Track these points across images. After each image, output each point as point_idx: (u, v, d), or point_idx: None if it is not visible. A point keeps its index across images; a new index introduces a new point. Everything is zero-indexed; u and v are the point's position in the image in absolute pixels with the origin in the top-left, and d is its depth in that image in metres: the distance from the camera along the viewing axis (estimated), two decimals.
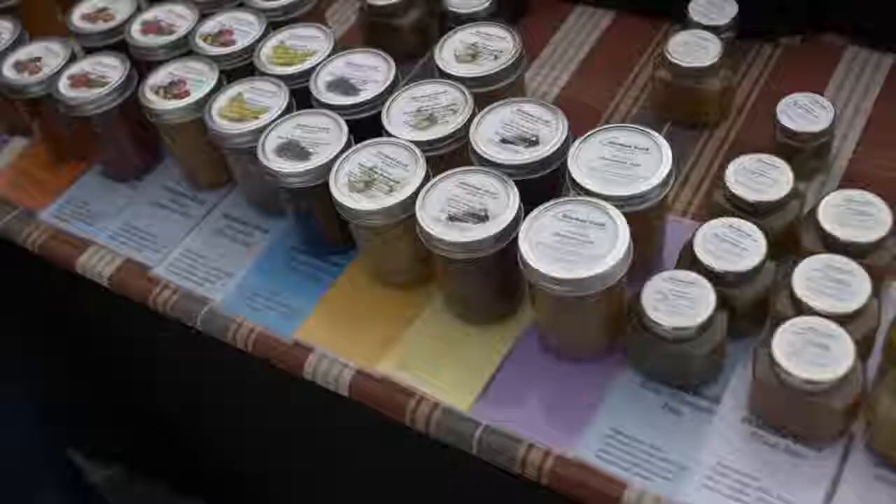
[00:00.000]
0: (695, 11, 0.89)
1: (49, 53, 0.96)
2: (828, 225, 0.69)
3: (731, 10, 0.89)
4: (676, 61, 0.84)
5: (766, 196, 0.72)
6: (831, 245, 0.69)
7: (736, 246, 0.68)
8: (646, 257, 0.73)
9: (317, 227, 0.82)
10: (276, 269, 0.85)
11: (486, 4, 0.94)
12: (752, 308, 0.68)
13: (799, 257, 0.67)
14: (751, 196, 0.72)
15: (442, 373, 0.74)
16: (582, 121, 0.79)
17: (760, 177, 0.73)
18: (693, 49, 0.84)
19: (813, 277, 0.65)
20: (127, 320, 0.96)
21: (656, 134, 0.72)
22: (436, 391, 0.73)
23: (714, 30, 0.87)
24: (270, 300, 0.82)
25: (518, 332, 0.75)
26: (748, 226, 0.69)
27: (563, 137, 0.74)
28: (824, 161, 0.81)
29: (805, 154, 0.79)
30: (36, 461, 1.12)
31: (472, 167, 0.73)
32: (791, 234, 0.72)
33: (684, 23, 0.89)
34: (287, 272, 0.85)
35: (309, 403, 0.83)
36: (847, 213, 0.69)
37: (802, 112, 0.79)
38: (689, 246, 0.70)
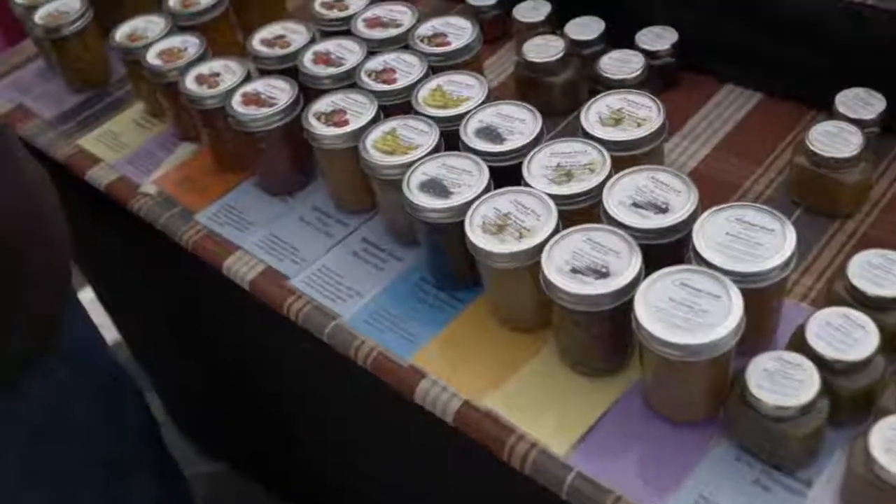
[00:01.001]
0: (841, 103, 0.90)
1: (227, 71, 1.05)
2: None
3: (879, 105, 0.90)
4: (815, 149, 0.85)
5: (884, 291, 0.73)
6: None
7: (848, 336, 0.70)
8: (758, 334, 0.75)
9: (447, 263, 0.87)
10: (404, 295, 0.90)
11: (637, 73, 0.98)
12: (856, 399, 0.69)
13: None
14: (870, 290, 0.73)
15: (545, 416, 0.78)
16: (716, 196, 0.81)
17: (883, 272, 0.74)
18: (834, 139, 0.86)
19: None
20: (260, 327, 1.03)
21: (784, 217, 0.74)
22: (536, 432, 0.76)
23: (858, 123, 0.88)
24: (394, 324, 0.88)
25: (624, 388, 0.78)
26: (863, 318, 0.70)
27: (693, 209, 0.77)
28: None
29: None
30: (138, 446, 1.17)
31: (601, 225, 0.77)
32: None
33: (830, 113, 0.91)
34: (413, 300, 0.90)
35: (419, 429, 0.87)
36: None
37: None
38: (800, 330, 0.71)
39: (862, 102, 0.90)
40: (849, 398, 0.69)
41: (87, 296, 1.56)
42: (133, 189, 1.09)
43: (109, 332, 1.59)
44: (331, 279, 0.94)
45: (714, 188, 0.91)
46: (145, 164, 1.13)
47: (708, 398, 0.73)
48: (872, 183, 0.89)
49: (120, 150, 1.16)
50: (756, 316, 0.73)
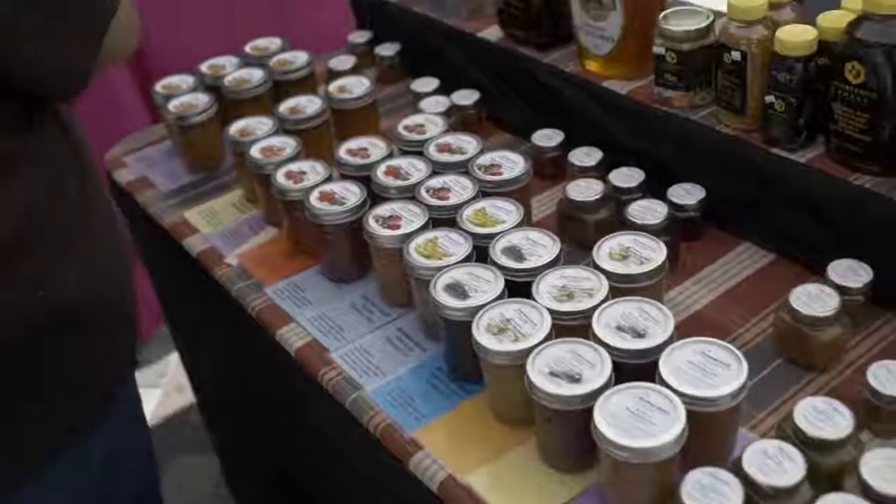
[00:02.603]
0: (832, 270, 1.01)
1: (313, 171, 1.23)
2: (869, 478, 0.78)
3: (866, 277, 1.00)
4: (796, 307, 0.96)
5: (822, 434, 0.82)
6: (869, 494, 0.78)
7: (779, 466, 0.79)
8: (712, 455, 0.85)
9: (459, 356, 1.00)
10: (421, 380, 1.04)
11: (659, 221, 1.11)
12: None
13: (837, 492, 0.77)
14: (810, 430, 0.83)
15: (516, 498, 0.89)
16: (707, 335, 0.91)
17: (826, 417, 0.83)
18: (815, 300, 0.96)
19: None
20: (300, 391, 1.17)
21: (742, 356, 0.85)
22: None
23: (844, 290, 0.99)
24: (407, 402, 1.01)
25: (586, 484, 0.89)
26: (794, 452, 0.80)
27: (667, 338, 0.89)
28: None
29: (885, 414, 0.88)
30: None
31: (585, 340, 0.89)
32: (839, 475, 0.82)
33: (824, 278, 1.02)
34: (427, 385, 1.03)
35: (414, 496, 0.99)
36: (889, 468, 0.78)
37: (889, 376, 0.89)
38: (739, 455, 0.81)
39: (851, 272, 1.01)
40: None
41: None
42: (219, 259, 1.27)
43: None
44: (363, 357, 1.08)
45: (708, 329, 1.02)
46: (233, 239, 1.31)
47: (652, 501, 0.83)
48: (845, 344, 0.98)
49: (215, 225, 1.35)
50: (707, 437, 0.84)
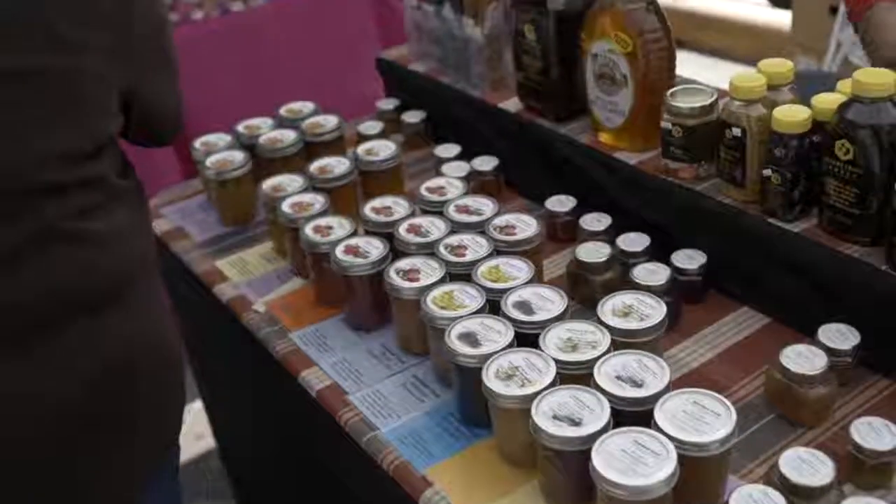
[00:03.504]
0: (822, 333, 1.08)
1: (340, 226, 1.32)
2: None
3: (854, 340, 1.07)
4: (786, 365, 1.03)
5: (805, 481, 0.88)
6: None
7: None
8: (703, 497, 0.92)
9: (469, 401, 1.07)
10: (432, 424, 1.11)
11: (661, 283, 1.18)
12: None
13: None
14: (793, 478, 0.89)
15: None
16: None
17: (809, 466, 0.90)
18: (804, 359, 1.03)
19: None
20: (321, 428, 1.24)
21: (732, 407, 0.92)
22: None
23: (833, 351, 1.05)
24: (419, 443, 1.08)
25: None
26: (780, 497, 0.86)
27: (663, 388, 0.95)
28: (885, 478, 0.95)
29: (868, 467, 0.94)
30: None
31: (586, 388, 0.96)
32: None
33: (815, 340, 1.08)
34: (439, 428, 1.10)
35: None
36: None
37: (872, 432, 0.95)
38: (726, 499, 0.88)
39: (840, 335, 1.08)
40: None
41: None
42: (247, 305, 1.35)
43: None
44: (380, 400, 1.15)
45: (704, 386, 1.07)
46: (262, 288, 1.39)
47: None
48: (832, 402, 1.05)
49: (245, 274, 1.43)
50: (698, 481, 0.90)
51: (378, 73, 1.86)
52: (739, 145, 1.18)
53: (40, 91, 0.97)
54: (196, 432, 2.38)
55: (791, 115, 1.12)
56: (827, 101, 1.13)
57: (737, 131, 1.17)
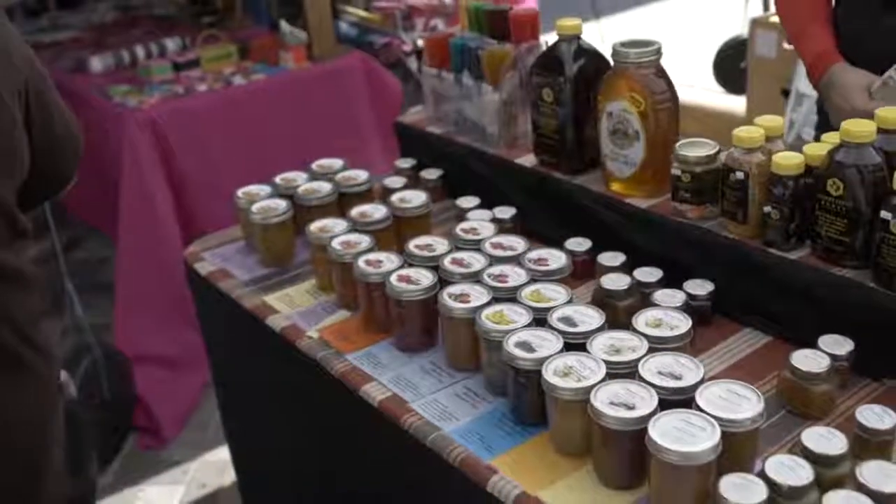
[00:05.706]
0: (822, 341, 1.26)
1: (388, 260, 1.48)
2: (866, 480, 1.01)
3: (849, 346, 1.25)
4: (796, 365, 1.21)
5: (823, 450, 1.05)
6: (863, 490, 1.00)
7: (793, 472, 1.02)
8: (740, 467, 1.08)
9: (525, 401, 1.23)
10: (489, 425, 1.26)
11: (681, 304, 1.36)
12: None
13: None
14: (815, 448, 1.06)
15: None
16: None
17: (826, 441, 1.07)
18: (810, 361, 1.21)
19: None
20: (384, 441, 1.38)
21: (760, 394, 1.09)
22: None
23: (832, 356, 1.24)
24: (479, 439, 1.23)
25: (636, 497, 1.11)
26: (805, 463, 1.03)
27: (698, 380, 1.13)
28: (886, 454, 1.12)
29: (872, 445, 1.12)
30: None
31: (636, 380, 1.13)
32: (839, 483, 1.04)
33: (816, 348, 1.26)
34: (495, 427, 1.25)
35: None
36: (881, 474, 1.01)
37: (874, 415, 1.12)
38: (762, 466, 1.04)
39: (837, 344, 1.26)
40: None
41: None
42: (301, 332, 1.50)
43: None
44: (439, 407, 1.30)
45: None
46: (311, 319, 1.54)
47: (696, 501, 1.04)
48: (835, 398, 1.23)
49: (293, 307, 1.58)
50: (734, 452, 1.07)
51: (394, 134, 2.04)
52: (742, 187, 1.37)
53: None
54: (199, 482, 2.48)
55: (789, 160, 1.32)
56: (816, 149, 1.34)
57: (740, 175, 1.37)
